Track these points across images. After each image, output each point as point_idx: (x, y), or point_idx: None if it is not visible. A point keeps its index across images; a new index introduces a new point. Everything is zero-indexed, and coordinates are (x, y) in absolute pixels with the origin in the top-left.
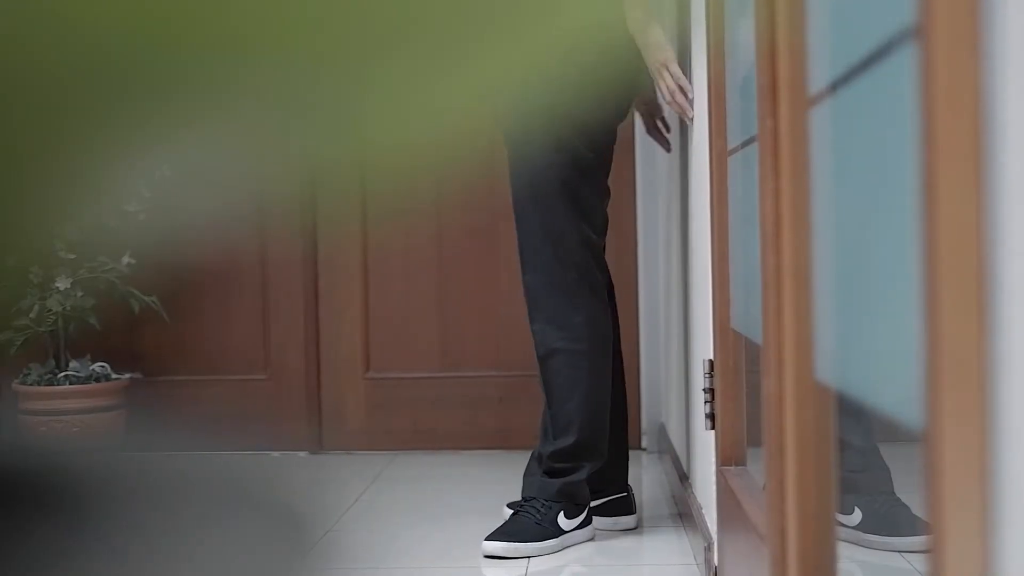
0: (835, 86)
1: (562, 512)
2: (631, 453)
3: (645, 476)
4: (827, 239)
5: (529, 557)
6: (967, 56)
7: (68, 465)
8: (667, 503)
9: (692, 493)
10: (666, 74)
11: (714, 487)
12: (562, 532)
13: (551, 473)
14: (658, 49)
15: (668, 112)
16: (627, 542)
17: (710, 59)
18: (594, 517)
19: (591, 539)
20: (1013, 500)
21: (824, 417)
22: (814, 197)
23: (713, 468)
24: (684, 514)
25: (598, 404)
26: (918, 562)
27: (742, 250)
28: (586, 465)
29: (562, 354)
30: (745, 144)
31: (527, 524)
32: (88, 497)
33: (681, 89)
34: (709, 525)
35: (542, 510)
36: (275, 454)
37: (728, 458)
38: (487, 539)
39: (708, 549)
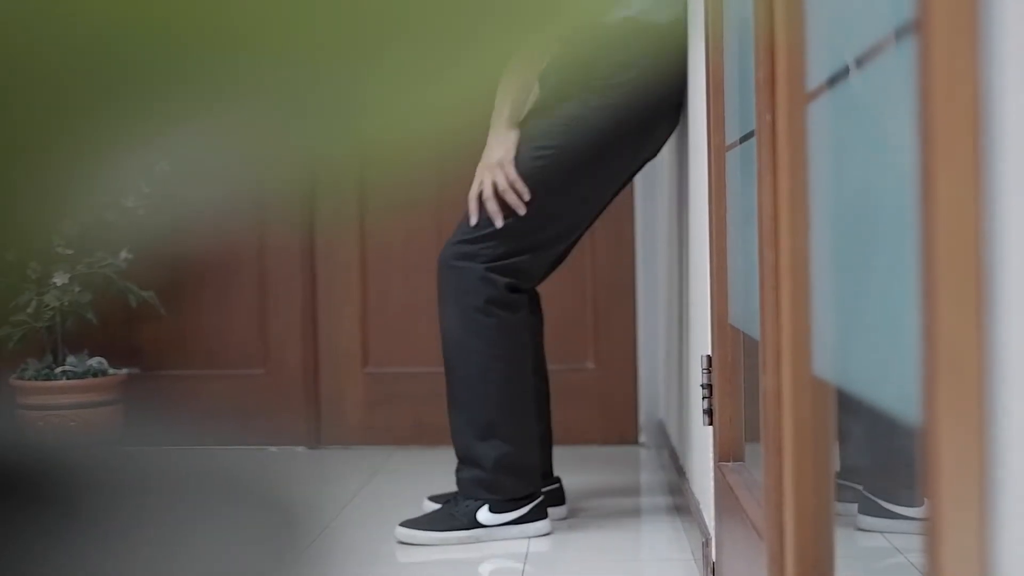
0: (833, 81)
1: (486, 507)
2: (629, 449)
3: (643, 472)
4: (825, 234)
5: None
6: (966, 51)
7: (65, 460)
8: (665, 499)
9: (690, 489)
10: (500, 173)
11: (712, 483)
12: (480, 526)
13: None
14: (505, 149)
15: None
16: (624, 537)
17: (708, 53)
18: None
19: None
20: (1010, 495)
21: (822, 413)
22: (812, 192)
23: (711, 464)
24: (682, 510)
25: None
26: (915, 557)
27: (740, 245)
28: (489, 456)
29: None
30: (743, 139)
31: (443, 515)
32: (86, 492)
33: (514, 187)
34: (707, 521)
35: (461, 505)
36: (273, 449)
37: (726, 454)
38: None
39: (706, 545)
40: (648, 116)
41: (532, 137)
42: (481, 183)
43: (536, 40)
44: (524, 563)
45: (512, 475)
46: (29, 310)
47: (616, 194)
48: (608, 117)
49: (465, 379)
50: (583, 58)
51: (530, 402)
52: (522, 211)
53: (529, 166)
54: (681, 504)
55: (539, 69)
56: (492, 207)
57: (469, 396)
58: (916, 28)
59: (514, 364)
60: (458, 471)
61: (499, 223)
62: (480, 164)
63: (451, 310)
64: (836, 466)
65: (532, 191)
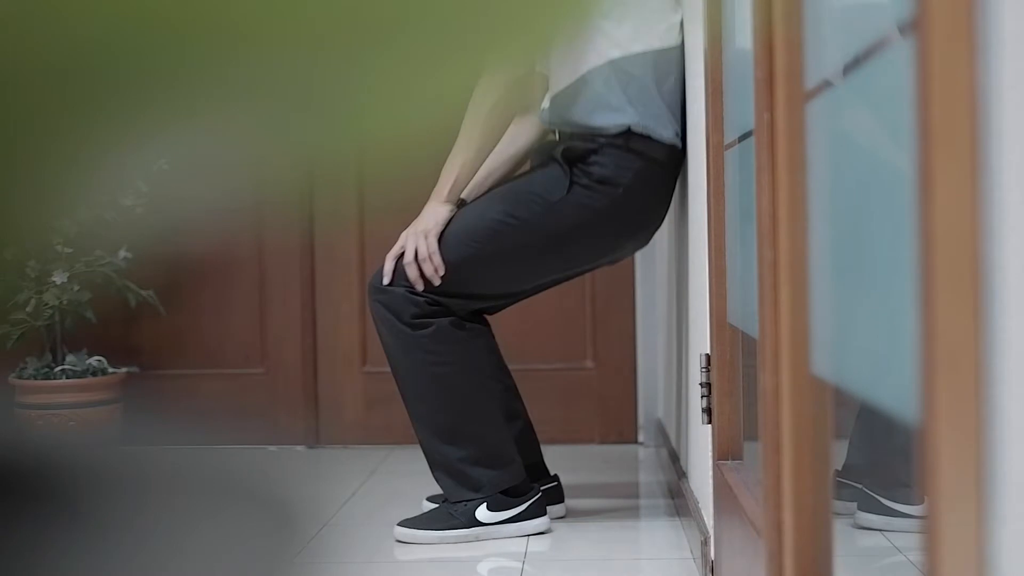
0: (832, 80)
1: (484, 505)
2: (628, 447)
3: (642, 471)
4: (824, 233)
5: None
6: (963, 50)
7: (64, 459)
8: (664, 497)
9: (689, 487)
10: (423, 242)
11: (711, 481)
12: (478, 524)
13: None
14: (435, 222)
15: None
16: (623, 535)
17: (707, 52)
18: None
19: (542, 532)
20: (1008, 494)
21: (821, 411)
22: (811, 191)
23: (710, 462)
24: (681, 508)
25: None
26: (914, 555)
27: (739, 244)
28: (464, 450)
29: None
30: (742, 138)
31: (441, 514)
32: (85, 491)
33: (431, 259)
34: (706, 519)
35: (457, 504)
36: (272, 448)
37: (725, 452)
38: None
39: (705, 543)
40: (622, 229)
41: (507, 197)
42: (403, 247)
43: (478, 122)
44: (523, 562)
45: (488, 468)
46: (28, 309)
47: (554, 282)
48: (584, 215)
49: (417, 394)
50: (583, 149)
51: (490, 396)
52: (437, 282)
53: (488, 223)
54: (680, 503)
55: (486, 149)
56: (412, 273)
57: (425, 408)
58: (914, 27)
59: (460, 364)
60: (438, 480)
61: (419, 287)
62: (408, 229)
63: (385, 333)
64: (837, 464)
65: (479, 247)
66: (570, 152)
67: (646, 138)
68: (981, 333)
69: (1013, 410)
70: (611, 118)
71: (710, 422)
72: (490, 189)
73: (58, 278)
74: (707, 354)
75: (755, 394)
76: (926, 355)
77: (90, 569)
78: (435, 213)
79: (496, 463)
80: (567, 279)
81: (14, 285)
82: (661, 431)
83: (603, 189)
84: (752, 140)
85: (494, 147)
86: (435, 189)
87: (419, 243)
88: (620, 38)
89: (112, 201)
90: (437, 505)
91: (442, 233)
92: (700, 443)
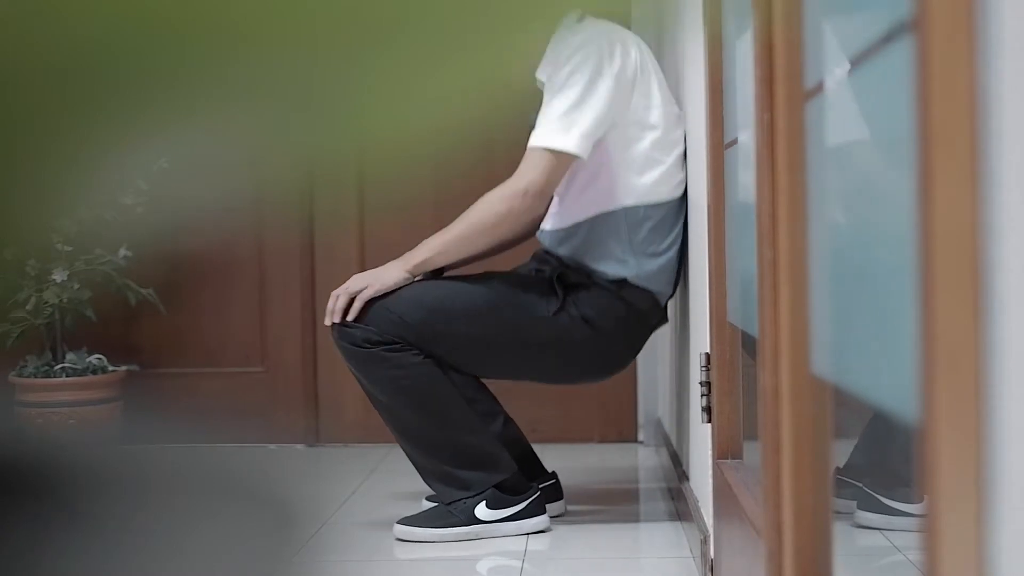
0: (832, 79)
1: (484, 503)
2: (628, 446)
3: (642, 470)
4: (823, 232)
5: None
6: (963, 49)
7: (64, 457)
8: (663, 496)
9: (688, 486)
10: (364, 289)
11: (710, 480)
12: (478, 522)
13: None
14: (388, 283)
15: None
16: (623, 534)
17: (707, 51)
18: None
19: (541, 530)
20: (1008, 493)
21: (820, 411)
22: (810, 190)
23: (710, 461)
24: (680, 507)
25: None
26: (914, 555)
27: (739, 243)
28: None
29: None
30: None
31: (441, 512)
32: (85, 489)
33: (346, 307)
34: (705, 518)
35: (455, 504)
36: (272, 447)
37: (724, 451)
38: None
39: (704, 542)
40: (588, 366)
41: (499, 290)
42: (348, 285)
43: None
44: (523, 560)
45: (474, 469)
46: (28, 307)
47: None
48: (559, 340)
49: (388, 408)
50: (576, 282)
51: (459, 399)
52: (337, 318)
53: (470, 304)
54: (680, 502)
55: (475, 250)
56: (339, 304)
57: (400, 421)
58: (914, 26)
59: (425, 376)
60: (430, 486)
61: (327, 321)
62: (363, 273)
63: (352, 367)
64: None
65: (451, 321)
66: (564, 278)
67: (639, 288)
68: (981, 333)
69: (1013, 410)
70: (612, 267)
71: (710, 421)
72: (462, 260)
73: (58, 276)
74: (707, 353)
75: (755, 393)
76: (926, 355)
77: (90, 567)
78: (392, 275)
79: (481, 463)
80: (517, 380)
81: (14, 283)
82: (661, 430)
83: (584, 326)
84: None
85: (485, 249)
86: (408, 253)
87: (360, 286)
88: (639, 188)
89: (112, 200)
90: (436, 504)
91: (422, 286)
92: (700, 442)
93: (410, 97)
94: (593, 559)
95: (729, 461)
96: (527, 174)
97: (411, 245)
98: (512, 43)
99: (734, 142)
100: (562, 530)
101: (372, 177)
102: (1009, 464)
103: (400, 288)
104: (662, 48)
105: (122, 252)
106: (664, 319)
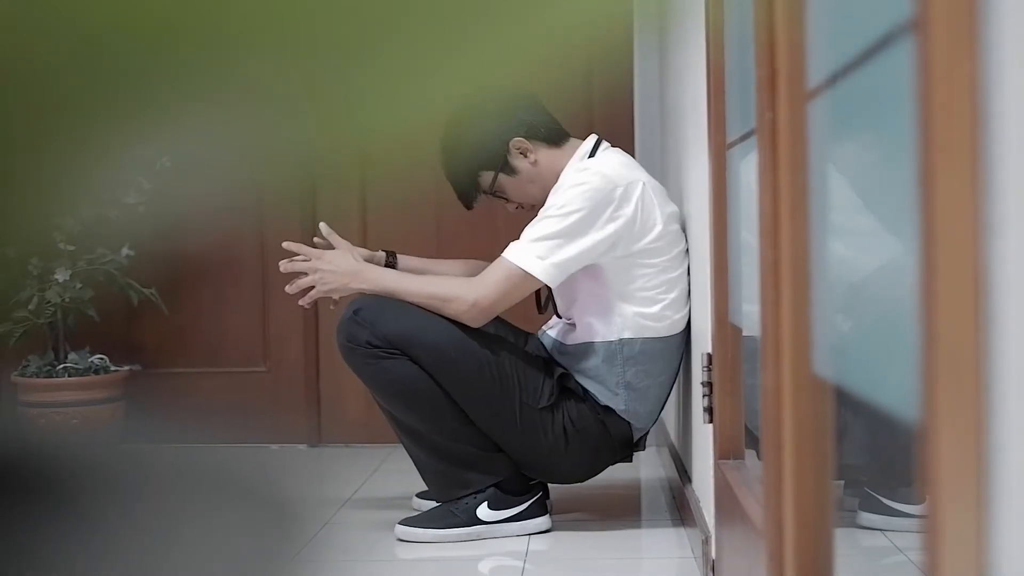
0: (834, 79)
1: (486, 503)
2: None
3: (643, 469)
4: (825, 232)
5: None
6: (964, 50)
7: (67, 456)
8: (665, 497)
9: (690, 487)
10: (329, 284)
11: (712, 481)
12: (480, 523)
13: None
14: (350, 285)
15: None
16: (624, 535)
17: (709, 50)
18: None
19: (543, 531)
20: (1009, 494)
21: (822, 411)
22: (812, 190)
23: (711, 462)
24: (682, 508)
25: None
26: (915, 555)
27: (740, 243)
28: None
29: None
30: (744, 137)
31: (442, 512)
32: (87, 488)
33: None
34: (707, 518)
35: (458, 503)
36: (274, 447)
37: (726, 452)
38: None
39: (706, 542)
40: (550, 468)
41: (505, 357)
42: (318, 268)
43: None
44: (524, 561)
45: (468, 469)
46: (30, 306)
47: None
48: (535, 432)
49: (388, 402)
50: (570, 387)
51: (454, 402)
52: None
53: (471, 357)
54: (681, 502)
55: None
56: (290, 267)
57: (398, 415)
58: (915, 27)
59: (420, 375)
60: (427, 483)
61: (290, 289)
62: (335, 266)
63: (350, 365)
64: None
65: (453, 366)
66: (564, 381)
67: (622, 420)
68: (981, 333)
69: (1013, 410)
70: (603, 395)
71: (712, 421)
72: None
73: (60, 276)
74: (709, 353)
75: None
76: (927, 355)
77: (92, 567)
78: (364, 281)
79: (476, 463)
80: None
81: (16, 283)
82: (662, 430)
83: (560, 435)
84: (754, 139)
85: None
86: (380, 270)
87: (324, 271)
88: (639, 320)
89: (115, 199)
90: (427, 501)
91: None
92: (702, 442)
93: (410, 97)
94: (594, 560)
95: (730, 461)
96: (483, 288)
97: (412, 245)
98: (512, 43)
99: (736, 142)
100: (563, 530)
101: (374, 177)
102: (1010, 465)
103: (414, 306)
104: (663, 48)
105: (124, 251)
106: (629, 457)
